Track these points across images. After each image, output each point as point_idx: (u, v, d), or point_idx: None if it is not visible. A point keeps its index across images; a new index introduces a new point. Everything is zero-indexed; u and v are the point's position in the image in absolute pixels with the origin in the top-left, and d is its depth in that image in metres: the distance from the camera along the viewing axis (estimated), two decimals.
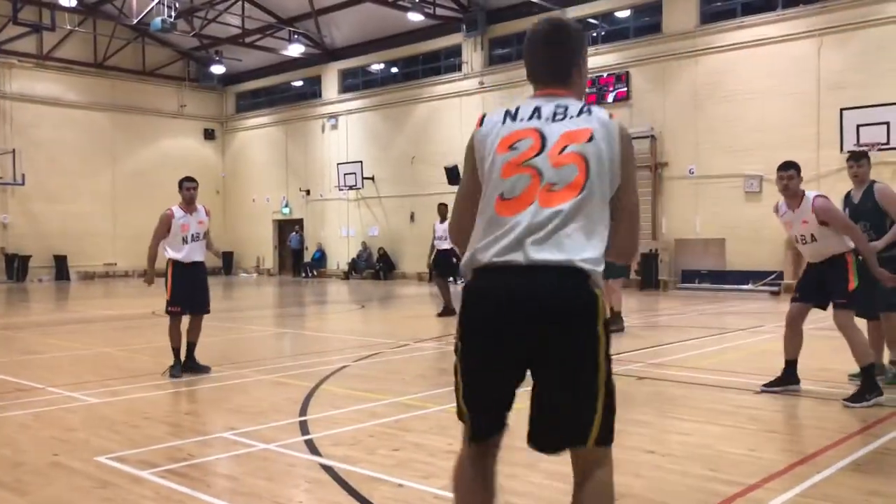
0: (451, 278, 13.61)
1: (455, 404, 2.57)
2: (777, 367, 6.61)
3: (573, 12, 22.70)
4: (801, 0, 18.98)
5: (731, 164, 19.33)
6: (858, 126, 17.29)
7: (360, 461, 4.54)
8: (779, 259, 18.28)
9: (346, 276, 28.36)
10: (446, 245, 13.12)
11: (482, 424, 2.55)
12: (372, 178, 28.02)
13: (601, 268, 2.40)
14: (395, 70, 28.27)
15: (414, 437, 5.08)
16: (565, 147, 2.41)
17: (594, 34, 22.84)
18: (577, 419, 2.39)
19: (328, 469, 4.41)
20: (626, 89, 21.65)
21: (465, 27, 24.81)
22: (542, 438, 2.48)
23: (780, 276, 18.46)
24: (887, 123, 16.94)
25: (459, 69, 25.72)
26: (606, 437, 2.41)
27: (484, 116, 2.61)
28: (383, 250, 27.50)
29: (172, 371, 7.58)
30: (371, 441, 5.04)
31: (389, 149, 27.64)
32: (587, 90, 22.57)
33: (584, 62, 2.63)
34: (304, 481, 4.29)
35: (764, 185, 18.71)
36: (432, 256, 13.64)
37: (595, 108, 2.52)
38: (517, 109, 2.54)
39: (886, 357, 6.86)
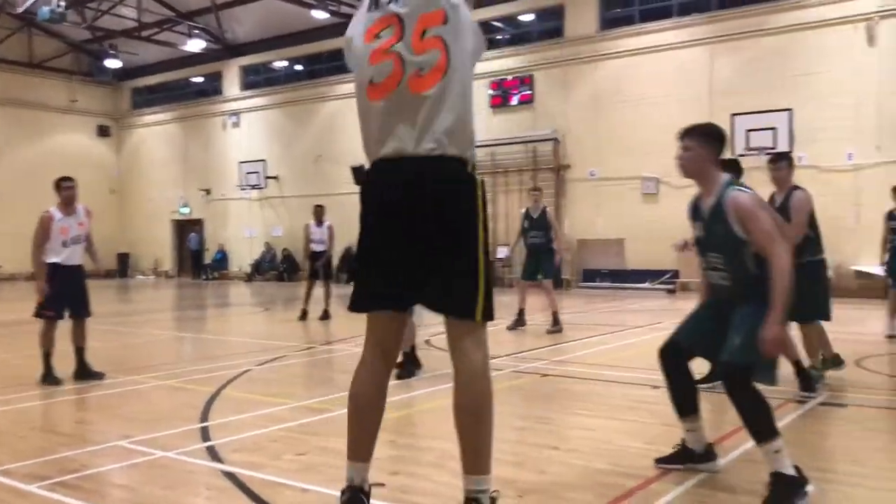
0: (325, 280, 13.21)
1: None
2: None
3: (476, 15, 22.87)
4: (694, 9, 19.80)
5: (630, 167, 19.94)
6: (748, 131, 18.17)
7: (263, 467, 4.43)
8: (674, 258, 18.99)
9: (249, 277, 27.74)
10: (322, 247, 13.03)
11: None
12: (275, 178, 27.53)
13: (473, 148, 2.65)
14: (299, 68, 27.86)
15: (320, 441, 5.00)
16: (424, 31, 2.56)
17: (498, 37, 23.15)
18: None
19: (230, 476, 4.28)
20: (530, 92, 22.03)
21: None
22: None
23: (676, 274, 19.18)
24: (774, 129, 17.88)
25: None
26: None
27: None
28: (288, 251, 27.03)
29: (45, 378, 7.18)
30: (275, 446, 4.92)
31: (293, 147, 27.23)
32: (492, 92, 22.94)
33: None
34: (204, 489, 4.15)
35: (660, 186, 19.40)
36: (307, 259, 13.39)
37: None
38: None
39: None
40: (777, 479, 3.71)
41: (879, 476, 4.29)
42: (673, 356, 4.25)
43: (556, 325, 10.68)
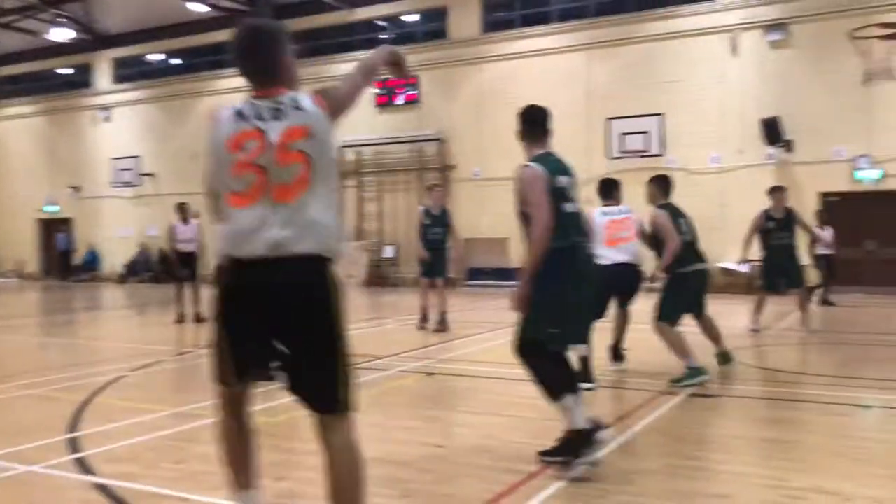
0: (192, 282, 12.71)
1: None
2: None
3: (362, 13, 22.85)
4: (573, 15, 20.43)
5: (513, 167, 20.27)
6: (623, 134, 18.94)
7: (139, 477, 4.24)
8: None
9: (123, 279, 26.52)
10: (192, 247, 12.62)
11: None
12: (151, 175, 26.45)
13: (340, 246, 2.81)
14: (175, 61, 26.86)
15: (199, 448, 4.84)
16: (288, 145, 2.70)
17: (383, 37, 23.12)
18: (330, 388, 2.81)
19: (102, 488, 4.08)
20: (415, 92, 22.11)
21: None
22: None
23: None
24: (647, 133, 18.72)
25: None
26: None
27: (216, 112, 2.88)
28: (164, 252, 25.99)
29: None
30: (152, 455, 4.73)
31: (170, 144, 26.22)
32: (378, 91, 22.87)
33: (288, 54, 2.90)
34: (74, 503, 3.94)
35: None
36: (177, 261, 12.90)
37: (304, 101, 2.78)
38: (243, 109, 2.80)
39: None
40: (569, 433, 4.21)
41: (741, 461, 4.57)
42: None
43: (442, 324, 10.76)
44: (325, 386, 2.77)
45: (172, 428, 5.39)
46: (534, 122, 4.64)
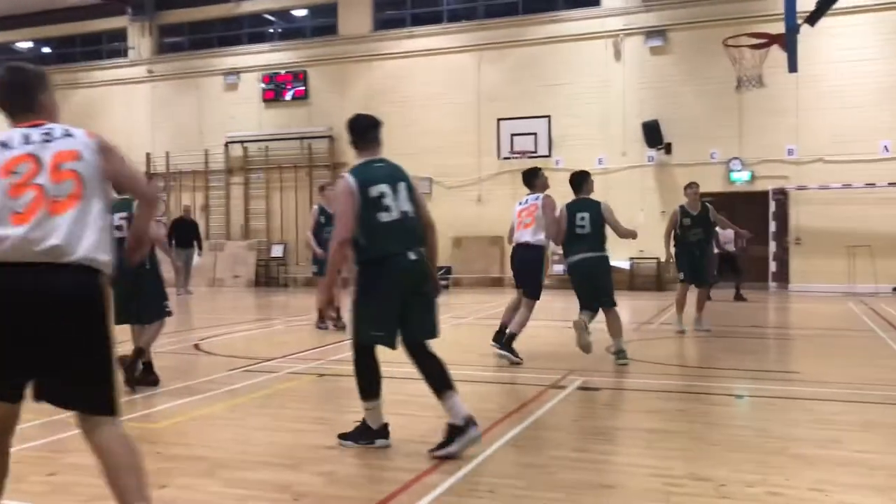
0: None
1: None
2: (448, 357, 7.05)
3: (249, 6, 22.32)
4: (463, 16, 20.64)
5: (405, 167, 20.27)
6: (512, 135, 19.28)
7: (6, 492, 3.95)
8: (447, 255, 19.67)
9: None
10: None
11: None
12: None
13: (105, 262, 2.98)
14: (47, 50, 25.42)
15: (73, 458, 4.57)
16: (60, 165, 2.95)
17: (270, 30, 22.67)
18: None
19: None
20: (304, 88, 21.77)
21: (130, 10, 23.12)
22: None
23: (449, 270, 19.87)
24: (535, 134, 19.12)
25: (125, 55, 23.88)
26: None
27: None
28: None
29: None
30: (20, 468, 4.40)
31: None
32: (265, 86, 22.39)
33: (50, 92, 3.20)
34: None
35: (434, 187, 19.98)
36: None
37: (76, 131, 3.05)
38: (8, 140, 3.00)
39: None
40: (362, 424, 4.69)
41: (626, 452, 4.72)
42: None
43: (340, 321, 10.65)
44: (98, 389, 2.95)
45: (42, 438, 5.07)
46: (362, 131, 4.74)
